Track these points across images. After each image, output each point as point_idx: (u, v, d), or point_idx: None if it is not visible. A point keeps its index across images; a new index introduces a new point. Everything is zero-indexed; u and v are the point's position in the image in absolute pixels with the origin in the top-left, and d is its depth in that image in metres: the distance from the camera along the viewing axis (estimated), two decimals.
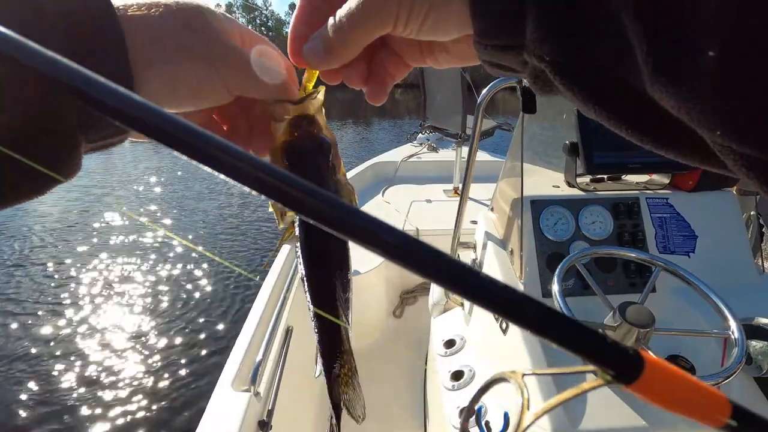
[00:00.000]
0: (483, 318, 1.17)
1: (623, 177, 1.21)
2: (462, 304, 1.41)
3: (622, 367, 0.14)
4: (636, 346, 0.81)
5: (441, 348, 1.30)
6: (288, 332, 1.49)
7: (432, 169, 3.34)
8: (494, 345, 1.09)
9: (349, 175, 3.09)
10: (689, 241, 1.09)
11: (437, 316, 1.50)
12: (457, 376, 1.17)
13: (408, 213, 2.58)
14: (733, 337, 0.77)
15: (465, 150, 2.88)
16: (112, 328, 3.39)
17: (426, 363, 1.67)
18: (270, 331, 1.39)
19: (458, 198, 2.76)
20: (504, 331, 1.02)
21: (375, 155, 3.66)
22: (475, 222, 1.42)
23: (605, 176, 1.20)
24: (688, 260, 1.07)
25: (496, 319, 1.07)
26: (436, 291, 1.53)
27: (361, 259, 2.00)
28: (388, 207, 2.72)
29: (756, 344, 0.84)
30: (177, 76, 0.25)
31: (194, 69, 0.25)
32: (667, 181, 1.17)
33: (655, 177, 1.20)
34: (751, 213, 1.15)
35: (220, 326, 3.44)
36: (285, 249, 2.03)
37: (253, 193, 0.13)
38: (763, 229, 1.16)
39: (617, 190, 1.15)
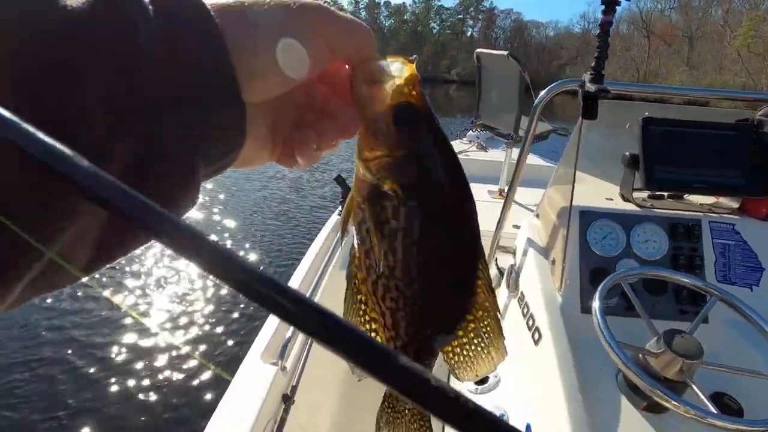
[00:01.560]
0: (516, 324, 1.14)
1: (686, 196, 1.13)
2: None
3: None
4: (679, 378, 0.76)
5: None
6: None
7: (479, 168, 3.27)
8: (524, 354, 1.06)
9: None
10: (754, 273, 1.00)
11: None
12: (482, 380, 1.15)
13: None
14: None
15: (515, 151, 2.79)
16: (149, 298, 3.57)
17: None
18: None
19: (503, 200, 2.70)
20: (536, 342, 0.99)
21: None
22: (518, 227, 1.38)
23: (665, 194, 1.12)
24: (750, 293, 0.99)
25: (529, 327, 1.04)
26: None
27: None
28: None
29: None
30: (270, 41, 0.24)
31: (289, 29, 0.24)
32: (736, 205, 1.08)
33: (722, 200, 1.11)
34: None
35: (249, 310, 3.52)
36: (329, 225, 2.07)
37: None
38: None
39: (677, 210, 1.07)
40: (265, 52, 0.23)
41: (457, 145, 3.76)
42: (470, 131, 3.87)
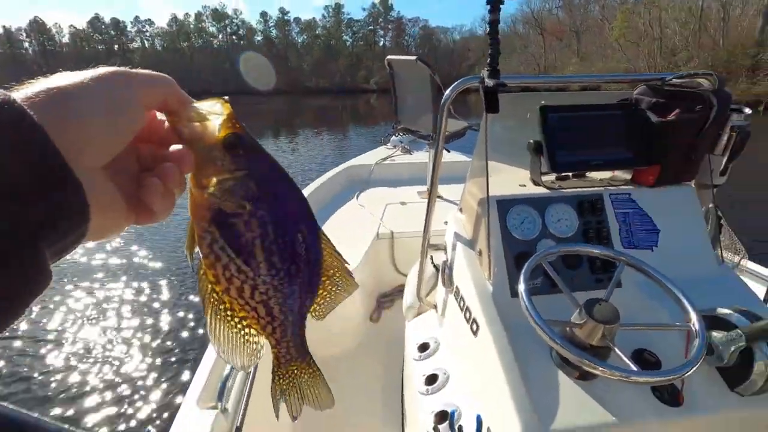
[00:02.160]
0: (455, 319, 1.16)
1: (587, 174, 1.22)
2: (435, 306, 1.40)
3: None
4: (603, 343, 0.81)
5: (415, 352, 1.28)
6: None
7: (406, 172, 3.34)
8: (466, 346, 1.08)
9: (323, 179, 3.06)
10: (652, 236, 1.11)
11: (411, 320, 1.48)
12: (431, 380, 1.16)
13: (383, 216, 2.57)
14: (694, 329, 0.78)
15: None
16: (73, 346, 3.24)
17: (403, 367, 1.65)
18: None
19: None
20: (474, 333, 1.01)
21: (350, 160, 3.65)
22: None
23: (570, 174, 1.21)
24: (652, 254, 1.09)
25: (467, 320, 1.06)
26: (409, 294, 1.51)
27: None
28: (362, 210, 2.70)
29: (717, 335, 0.86)
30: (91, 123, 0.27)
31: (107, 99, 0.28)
32: (629, 177, 1.19)
33: (617, 173, 1.22)
34: (710, 206, 1.18)
35: (188, 341, 3.33)
36: None
37: None
38: (722, 221, 1.19)
39: (582, 187, 1.16)
40: (86, 124, 0.26)
41: (382, 150, 3.81)
42: (393, 136, 3.95)
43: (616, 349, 0.78)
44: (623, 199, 1.13)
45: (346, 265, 0.41)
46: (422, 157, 3.42)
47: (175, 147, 0.33)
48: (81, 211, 0.25)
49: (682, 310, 0.82)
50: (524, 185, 1.19)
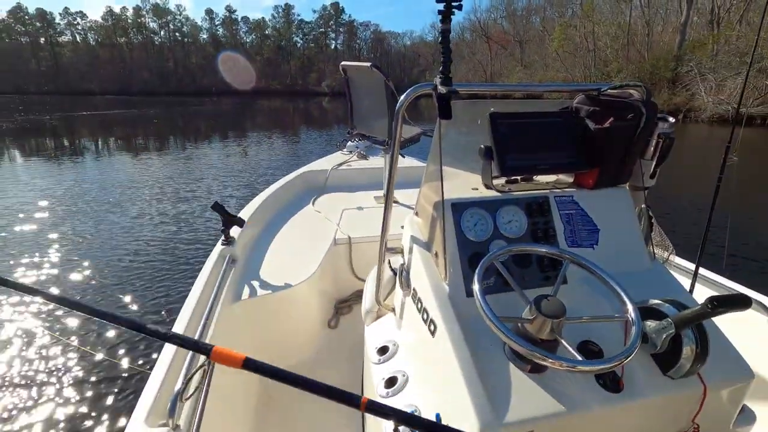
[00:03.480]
0: (413, 321, 1.18)
1: (535, 178, 1.29)
2: (393, 310, 1.42)
3: None
4: (551, 337, 0.86)
5: (374, 356, 1.29)
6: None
7: (362, 177, 3.35)
8: (424, 347, 1.10)
9: (278, 185, 3.00)
10: (593, 234, 1.19)
11: (370, 324, 1.49)
12: (390, 382, 1.16)
13: (339, 221, 2.55)
14: (630, 319, 0.85)
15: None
16: (16, 359, 2.95)
17: (363, 372, 1.65)
18: (191, 354, 1.29)
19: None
20: (432, 333, 1.03)
21: (304, 165, 3.60)
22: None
23: (519, 177, 1.27)
24: (593, 252, 1.17)
25: (424, 321, 1.08)
26: (368, 298, 1.52)
27: (292, 271, 1.94)
28: (318, 216, 2.67)
29: (650, 324, 0.94)
30: None
31: None
32: (571, 180, 1.28)
33: (561, 176, 1.30)
34: (642, 206, 1.29)
35: (137, 354, 3.13)
36: (214, 255, 1.91)
37: None
38: (652, 221, 1.30)
39: (530, 190, 1.22)
40: None
41: (338, 156, 3.80)
42: (349, 142, 3.95)
43: (563, 342, 0.83)
44: (567, 201, 1.20)
45: None
46: (378, 162, 3.45)
47: None
48: None
49: (620, 302, 0.89)
50: (476, 188, 1.23)
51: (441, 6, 1.04)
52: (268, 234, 2.34)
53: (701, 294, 1.69)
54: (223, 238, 1.98)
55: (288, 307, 1.88)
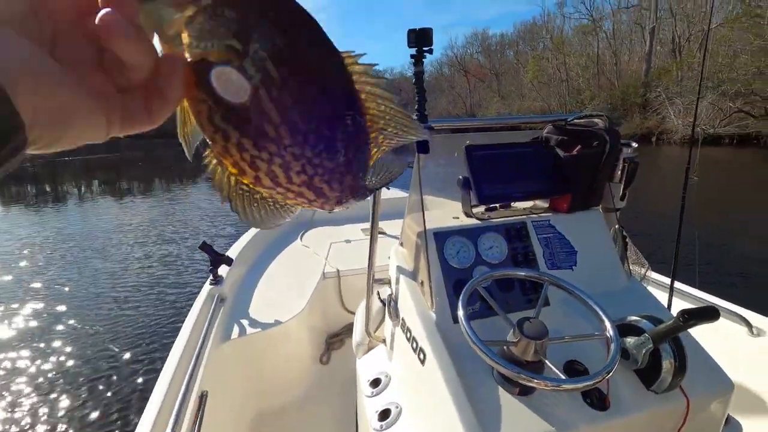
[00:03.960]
0: (403, 351, 1.20)
1: (512, 204, 1.35)
2: (384, 341, 1.42)
3: None
4: (536, 358, 0.89)
5: (367, 389, 1.29)
6: (203, 398, 1.37)
7: (349, 210, 3.39)
8: (415, 377, 1.11)
9: None
10: (571, 256, 1.24)
11: (362, 357, 1.49)
12: (384, 415, 1.16)
13: (327, 255, 2.57)
14: (609, 336, 0.88)
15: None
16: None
17: (357, 407, 1.63)
18: (182, 397, 1.27)
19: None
20: (422, 362, 1.05)
21: None
22: None
23: (497, 205, 1.33)
24: (572, 273, 1.21)
25: (414, 350, 1.10)
26: (358, 331, 1.52)
27: (282, 307, 1.93)
28: (306, 251, 2.69)
29: (630, 340, 0.97)
30: None
31: None
32: (546, 205, 1.34)
33: (537, 202, 1.36)
34: (616, 227, 1.35)
35: (127, 395, 3.02)
36: (203, 295, 1.89)
37: None
38: (627, 240, 1.36)
39: (508, 216, 1.28)
40: None
41: None
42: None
43: (548, 362, 0.86)
44: (544, 225, 1.26)
45: (395, 106, 0.30)
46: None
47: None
48: None
49: (599, 321, 0.93)
50: (457, 217, 1.28)
51: (413, 51, 1.12)
52: (257, 271, 2.35)
53: (678, 307, 1.74)
54: (211, 277, 1.98)
55: (278, 344, 1.86)
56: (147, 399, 1.28)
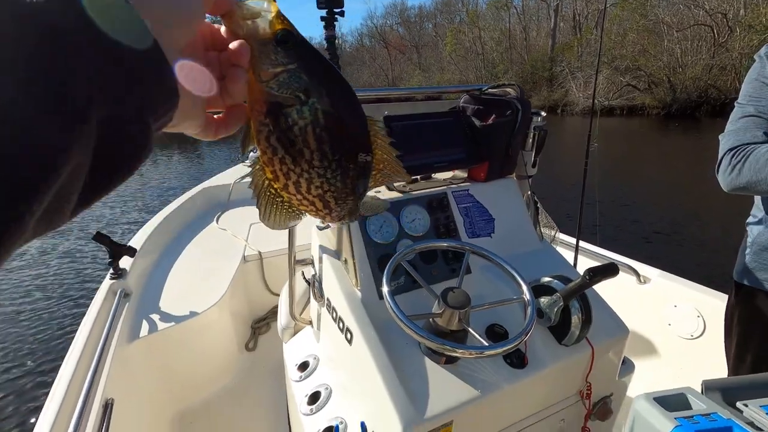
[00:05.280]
0: (330, 332, 1.16)
1: (433, 175, 1.35)
2: (311, 323, 1.38)
3: None
4: (460, 327, 0.90)
5: (295, 373, 1.24)
6: (107, 407, 1.22)
7: None
8: (344, 357, 1.08)
9: (175, 205, 2.76)
10: (489, 224, 1.28)
11: (288, 341, 1.43)
12: (314, 398, 1.13)
13: (248, 237, 2.43)
14: (526, 299, 0.92)
15: None
16: None
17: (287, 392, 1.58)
18: (81, 408, 1.12)
19: None
20: (349, 342, 1.02)
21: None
22: None
23: (418, 177, 1.31)
24: (491, 240, 1.25)
25: (341, 330, 1.07)
26: (283, 314, 1.46)
27: (198, 297, 1.79)
28: (224, 234, 2.51)
29: (543, 300, 1.03)
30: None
31: None
32: (465, 175, 1.35)
33: (457, 172, 1.37)
34: (528, 193, 1.41)
35: (23, 414, 2.66)
36: (103, 290, 1.69)
37: None
38: (538, 205, 1.43)
39: (430, 188, 1.27)
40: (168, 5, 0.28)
41: (240, 168, 3.61)
42: (252, 152, 3.77)
43: (471, 330, 0.88)
44: (463, 195, 1.27)
45: (395, 156, 0.43)
46: None
47: (233, 44, 0.34)
48: (172, 85, 0.27)
49: (517, 285, 0.96)
50: (379, 191, 1.25)
51: (323, 12, 1.03)
52: (168, 260, 2.14)
53: (583, 264, 1.92)
54: (111, 271, 1.76)
55: (197, 336, 1.73)
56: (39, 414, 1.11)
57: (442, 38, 40.78)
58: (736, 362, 1.18)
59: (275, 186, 0.39)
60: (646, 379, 1.76)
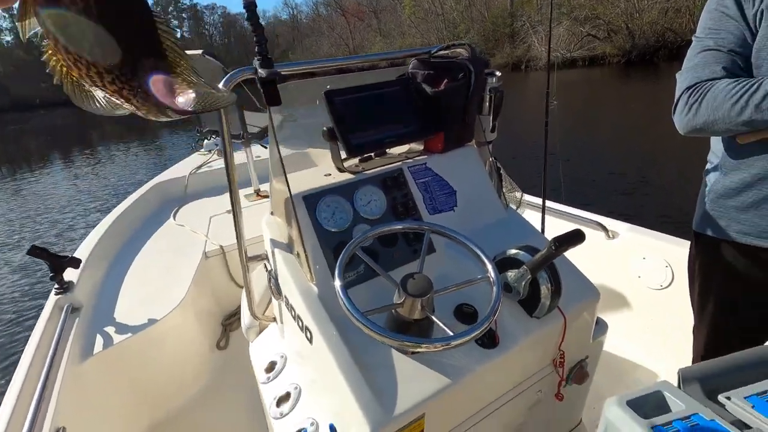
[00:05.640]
0: (293, 330, 1.08)
1: (387, 151, 1.26)
2: (275, 319, 1.30)
3: None
4: (423, 315, 0.83)
5: (262, 375, 1.17)
6: None
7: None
8: (307, 355, 1.02)
9: (125, 205, 2.58)
10: (451, 197, 1.20)
11: (254, 340, 1.35)
12: (283, 400, 1.06)
13: (208, 231, 2.29)
14: (491, 278, 0.86)
15: (255, 149, 2.70)
16: None
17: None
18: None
19: (262, 200, 2.56)
20: (310, 341, 0.95)
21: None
22: None
23: (372, 154, 1.22)
24: (454, 214, 1.18)
25: (301, 329, 0.99)
26: (246, 313, 1.37)
27: (158, 301, 1.67)
28: (182, 230, 2.36)
29: (511, 274, 0.97)
30: None
31: None
32: (421, 147, 1.27)
33: (412, 146, 1.28)
34: (490, 159, 1.34)
35: None
36: (49, 306, 1.56)
37: None
38: (501, 171, 1.36)
39: (384, 165, 1.18)
40: None
41: (196, 158, 3.41)
42: (206, 140, 3.56)
43: (435, 318, 0.81)
44: (421, 169, 1.19)
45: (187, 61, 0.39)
46: (242, 157, 3.17)
47: None
48: None
49: (480, 262, 0.90)
50: (329, 174, 1.15)
51: None
52: (121, 266, 1.99)
53: (551, 226, 1.89)
54: (56, 285, 1.62)
55: (160, 343, 1.63)
56: None
57: (401, 1, 39.53)
58: (698, 310, 1.18)
59: (73, 74, 0.36)
60: (619, 332, 1.78)
